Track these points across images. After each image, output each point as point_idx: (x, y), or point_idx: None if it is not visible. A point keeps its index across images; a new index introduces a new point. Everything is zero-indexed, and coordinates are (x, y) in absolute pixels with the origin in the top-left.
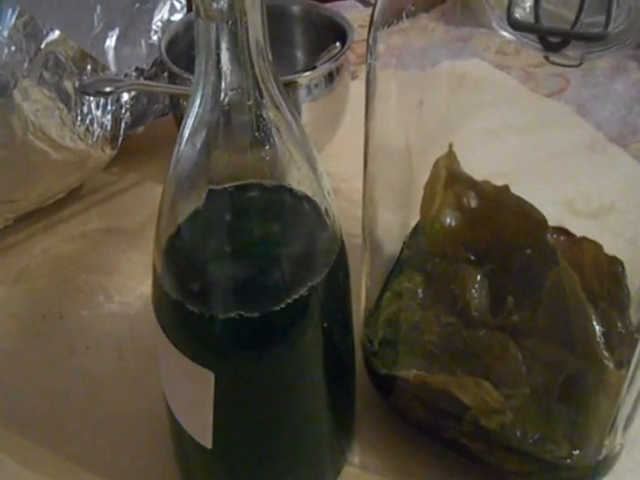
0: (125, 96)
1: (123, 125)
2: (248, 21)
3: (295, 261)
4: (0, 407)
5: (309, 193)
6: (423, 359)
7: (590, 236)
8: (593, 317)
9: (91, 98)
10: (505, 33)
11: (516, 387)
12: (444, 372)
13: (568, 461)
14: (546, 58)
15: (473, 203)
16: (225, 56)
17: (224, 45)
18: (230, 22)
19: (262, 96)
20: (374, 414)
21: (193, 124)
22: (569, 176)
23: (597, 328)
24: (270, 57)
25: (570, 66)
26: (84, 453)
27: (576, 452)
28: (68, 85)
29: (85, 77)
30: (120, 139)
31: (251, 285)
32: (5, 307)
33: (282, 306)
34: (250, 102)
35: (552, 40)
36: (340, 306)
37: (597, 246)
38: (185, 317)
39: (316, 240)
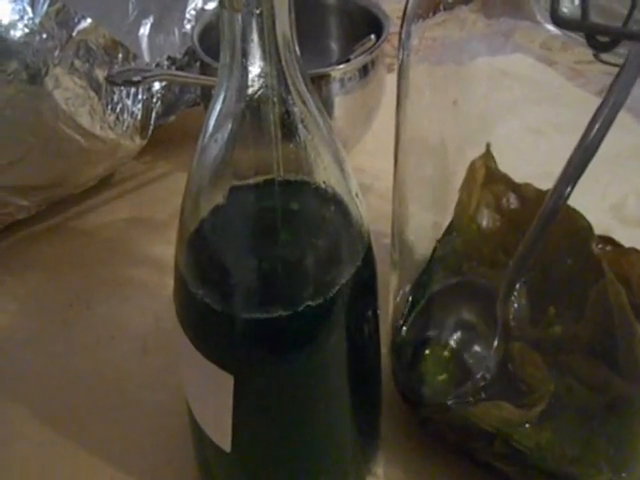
0: (156, 85)
1: (154, 114)
2: (275, 12)
3: (318, 262)
4: (24, 394)
5: (335, 193)
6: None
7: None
8: None
9: (121, 87)
10: (550, 27)
11: (538, 390)
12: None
13: None
14: (595, 56)
15: (513, 205)
16: (250, 49)
17: (250, 37)
18: (256, 13)
19: (288, 91)
20: (401, 425)
21: (217, 118)
22: (618, 179)
23: None
24: (297, 50)
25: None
26: (105, 444)
27: (619, 478)
28: (99, 74)
29: (116, 66)
30: (150, 129)
31: (273, 285)
32: (33, 295)
33: (305, 308)
34: (275, 97)
35: (601, 39)
36: (366, 310)
37: None
38: (205, 316)
39: (342, 242)
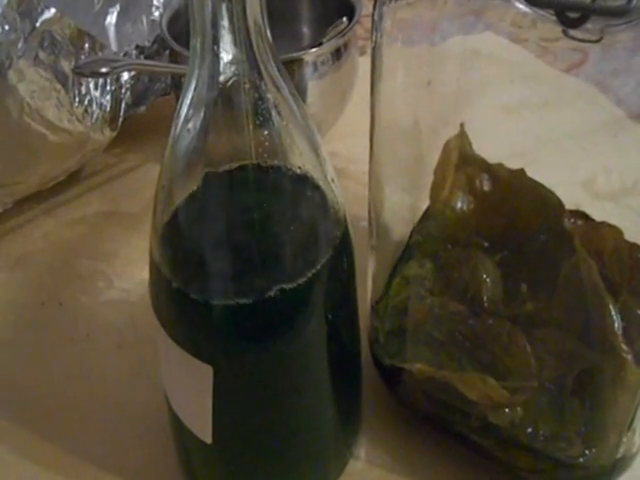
0: (125, 75)
1: (123, 105)
2: None
3: (296, 247)
4: None
5: (311, 178)
6: (430, 350)
7: (611, 219)
8: (612, 308)
9: (89, 78)
10: (520, 5)
11: (525, 380)
12: (451, 363)
13: (581, 460)
14: (564, 32)
15: (486, 186)
16: (221, 35)
17: (220, 23)
18: None
19: (261, 78)
20: (381, 407)
21: (189, 106)
22: (588, 155)
23: (616, 320)
24: (269, 37)
25: (590, 41)
26: (84, 443)
27: (590, 451)
28: (65, 65)
29: (83, 56)
30: (120, 120)
31: (250, 271)
32: (4, 294)
33: (282, 293)
34: (248, 84)
35: (571, 15)
36: (344, 293)
37: (618, 232)
38: (182, 306)
39: (318, 226)
